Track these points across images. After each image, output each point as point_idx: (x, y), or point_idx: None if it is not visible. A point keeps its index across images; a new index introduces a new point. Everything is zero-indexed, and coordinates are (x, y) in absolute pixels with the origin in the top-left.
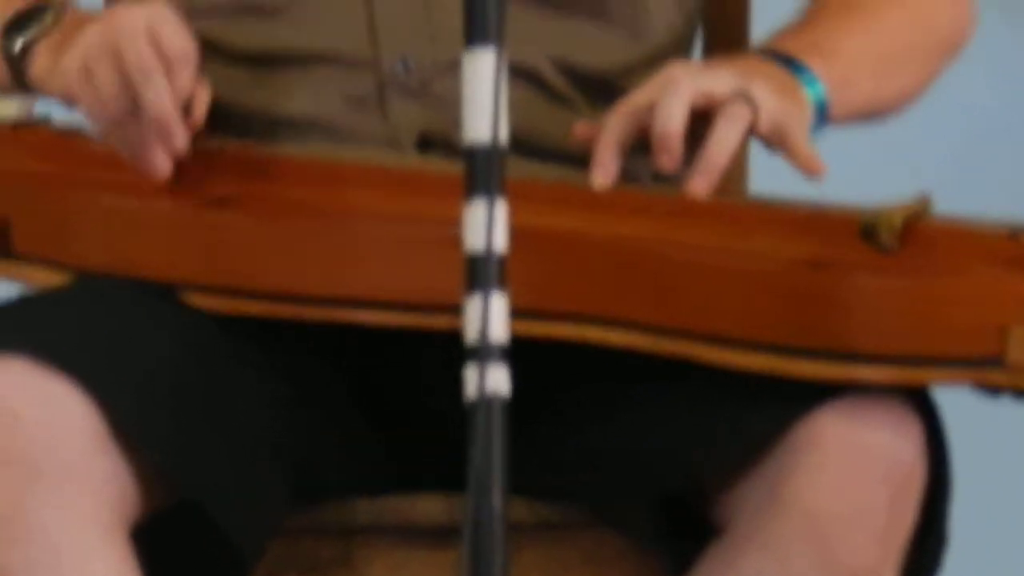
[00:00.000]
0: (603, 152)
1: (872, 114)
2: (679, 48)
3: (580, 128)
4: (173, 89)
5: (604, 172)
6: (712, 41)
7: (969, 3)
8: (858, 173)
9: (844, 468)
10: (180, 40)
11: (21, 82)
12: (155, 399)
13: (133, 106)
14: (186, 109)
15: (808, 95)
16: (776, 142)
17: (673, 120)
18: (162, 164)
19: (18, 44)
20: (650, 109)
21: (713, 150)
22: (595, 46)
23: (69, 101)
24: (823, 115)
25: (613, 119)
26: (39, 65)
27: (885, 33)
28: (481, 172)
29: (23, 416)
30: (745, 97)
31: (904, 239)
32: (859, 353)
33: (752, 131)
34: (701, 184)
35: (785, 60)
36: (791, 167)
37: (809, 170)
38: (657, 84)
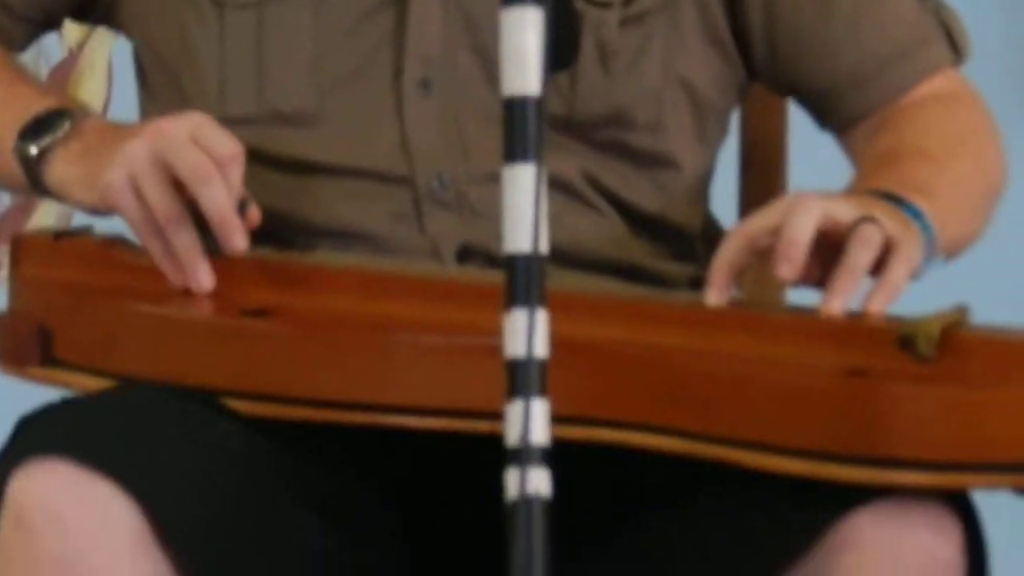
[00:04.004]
0: (718, 273)
1: (947, 256)
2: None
3: None
4: (228, 190)
5: (718, 293)
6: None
7: (1003, 151)
8: None
9: (882, 569)
10: (228, 142)
11: (36, 185)
12: (197, 503)
13: (180, 217)
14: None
15: (919, 232)
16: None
17: (802, 231)
18: (205, 278)
19: (33, 148)
20: (767, 233)
21: (849, 272)
22: (624, 178)
23: (99, 211)
24: (932, 251)
25: (729, 241)
26: (58, 171)
27: (963, 179)
28: (521, 280)
29: (69, 518)
30: (872, 221)
31: (942, 348)
32: (898, 459)
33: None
34: (837, 305)
35: (892, 198)
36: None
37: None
38: (779, 208)
